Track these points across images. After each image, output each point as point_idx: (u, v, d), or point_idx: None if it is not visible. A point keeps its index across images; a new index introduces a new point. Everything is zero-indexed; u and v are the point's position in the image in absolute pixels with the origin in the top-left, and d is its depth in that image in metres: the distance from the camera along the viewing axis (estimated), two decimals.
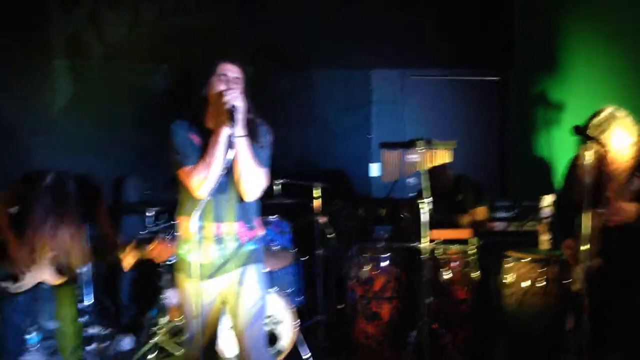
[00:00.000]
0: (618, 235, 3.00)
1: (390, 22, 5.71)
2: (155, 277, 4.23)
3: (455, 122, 5.77)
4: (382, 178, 4.21)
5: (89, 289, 4.16)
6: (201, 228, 2.72)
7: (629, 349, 3.02)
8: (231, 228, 2.77)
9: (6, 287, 3.60)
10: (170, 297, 4.20)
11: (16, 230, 3.64)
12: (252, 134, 2.73)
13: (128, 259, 3.42)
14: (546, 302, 3.78)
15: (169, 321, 4.18)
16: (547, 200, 4.01)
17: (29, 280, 3.61)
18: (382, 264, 4.10)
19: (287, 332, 4.03)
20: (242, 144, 2.66)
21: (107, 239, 3.66)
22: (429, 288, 3.82)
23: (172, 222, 3.84)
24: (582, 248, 2.94)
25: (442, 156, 4.00)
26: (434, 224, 3.87)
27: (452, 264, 4.06)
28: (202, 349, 2.72)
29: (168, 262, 4.03)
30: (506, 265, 3.94)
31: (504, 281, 3.94)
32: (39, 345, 4.15)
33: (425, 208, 3.78)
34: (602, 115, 3.03)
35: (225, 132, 2.64)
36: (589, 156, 2.91)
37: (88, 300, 4.22)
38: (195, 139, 2.74)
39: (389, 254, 4.11)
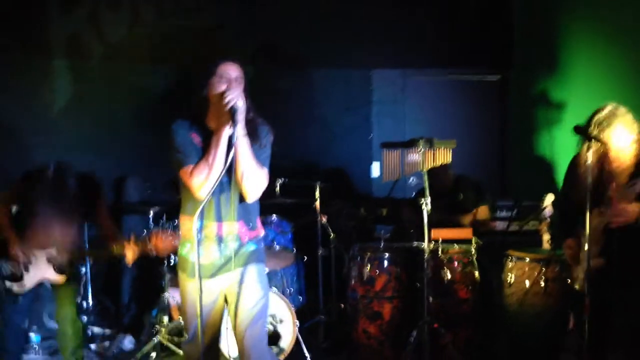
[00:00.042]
0: (619, 236, 2.99)
1: (391, 22, 5.71)
2: (156, 276, 4.23)
3: (456, 122, 5.78)
4: (382, 178, 4.21)
5: (90, 289, 4.17)
6: (202, 228, 2.73)
7: (629, 349, 3.01)
8: (232, 228, 2.77)
9: (9, 287, 3.60)
10: (171, 297, 4.20)
11: (17, 229, 3.64)
12: (252, 134, 2.73)
13: (129, 254, 3.43)
14: (547, 301, 3.78)
15: (170, 321, 4.18)
16: (548, 200, 4.01)
17: (30, 280, 3.61)
18: (383, 264, 4.10)
19: (288, 332, 4.02)
20: (243, 144, 2.65)
21: (108, 238, 3.66)
22: (430, 288, 3.82)
23: (173, 222, 3.84)
24: (583, 248, 2.94)
25: (443, 156, 4.00)
26: (434, 223, 3.87)
27: (453, 264, 4.06)
28: (203, 348, 2.71)
29: (170, 257, 4.03)
30: (507, 265, 3.94)
31: (504, 281, 3.93)
32: (39, 345, 4.16)
33: (425, 208, 3.78)
34: (603, 112, 3.02)
35: (226, 132, 2.63)
36: (590, 155, 2.90)
37: (89, 300, 4.23)
38: (196, 138, 2.74)
39: (389, 253, 4.11)
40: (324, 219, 4.51)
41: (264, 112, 2.85)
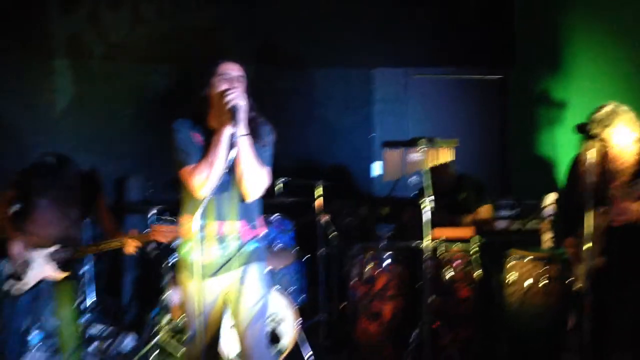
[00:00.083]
0: (620, 235, 2.99)
1: (392, 21, 5.71)
2: (157, 276, 4.23)
3: (457, 121, 5.77)
4: (384, 177, 4.20)
5: (91, 288, 4.16)
6: (203, 227, 2.72)
7: (630, 348, 3.01)
8: (233, 227, 2.76)
9: (11, 287, 3.60)
10: (172, 296, 4.20)
11: (17, 228, 3.64)
12: (254, 133, 2.73)
13: (130, 247, 3.44)
14: (548, 301, 3.77)
15: (171, 320, 4.18)
16: (550, 198, 4.01)
17: (31, 279, 3.61)
18: (384, 263, 4.10)
19: (289, 331, 4.02)
20: (244, 143, 2.65)
21: (109, 234, 3.67)
22: (430, 287, 3.81)
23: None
24: (584, 247, 2.94)
25: (444, 155, 3.99)
26: (435, 222, 3.87)
27: (454, 263, 4.06)
28: (204, 348, 2.72)
29: (171, 256, 4.04)
30: (508, 264, 3.94)
31: (505, 280, 3.93)
32: (40, 345, 4.15)
33: (427, 207, 3.77)
34: (604, 110, 3.02)
35: (227, 131, 2.63)
36: (591, 154, 2.90)
37: (90, 299, 4.22)
38: (197, 138, 2.74)
39: (390, 252, 4.11)
40: (326, 219, 4.51)
41: (264, 112, 2.85)
